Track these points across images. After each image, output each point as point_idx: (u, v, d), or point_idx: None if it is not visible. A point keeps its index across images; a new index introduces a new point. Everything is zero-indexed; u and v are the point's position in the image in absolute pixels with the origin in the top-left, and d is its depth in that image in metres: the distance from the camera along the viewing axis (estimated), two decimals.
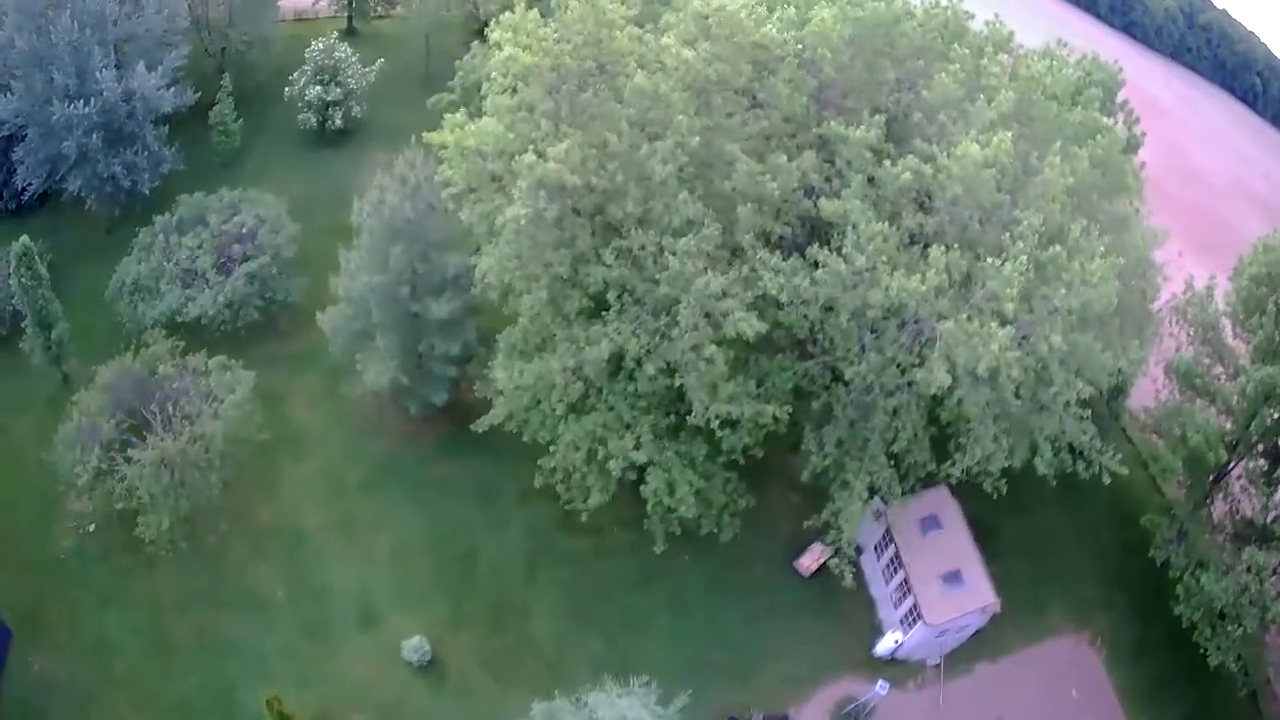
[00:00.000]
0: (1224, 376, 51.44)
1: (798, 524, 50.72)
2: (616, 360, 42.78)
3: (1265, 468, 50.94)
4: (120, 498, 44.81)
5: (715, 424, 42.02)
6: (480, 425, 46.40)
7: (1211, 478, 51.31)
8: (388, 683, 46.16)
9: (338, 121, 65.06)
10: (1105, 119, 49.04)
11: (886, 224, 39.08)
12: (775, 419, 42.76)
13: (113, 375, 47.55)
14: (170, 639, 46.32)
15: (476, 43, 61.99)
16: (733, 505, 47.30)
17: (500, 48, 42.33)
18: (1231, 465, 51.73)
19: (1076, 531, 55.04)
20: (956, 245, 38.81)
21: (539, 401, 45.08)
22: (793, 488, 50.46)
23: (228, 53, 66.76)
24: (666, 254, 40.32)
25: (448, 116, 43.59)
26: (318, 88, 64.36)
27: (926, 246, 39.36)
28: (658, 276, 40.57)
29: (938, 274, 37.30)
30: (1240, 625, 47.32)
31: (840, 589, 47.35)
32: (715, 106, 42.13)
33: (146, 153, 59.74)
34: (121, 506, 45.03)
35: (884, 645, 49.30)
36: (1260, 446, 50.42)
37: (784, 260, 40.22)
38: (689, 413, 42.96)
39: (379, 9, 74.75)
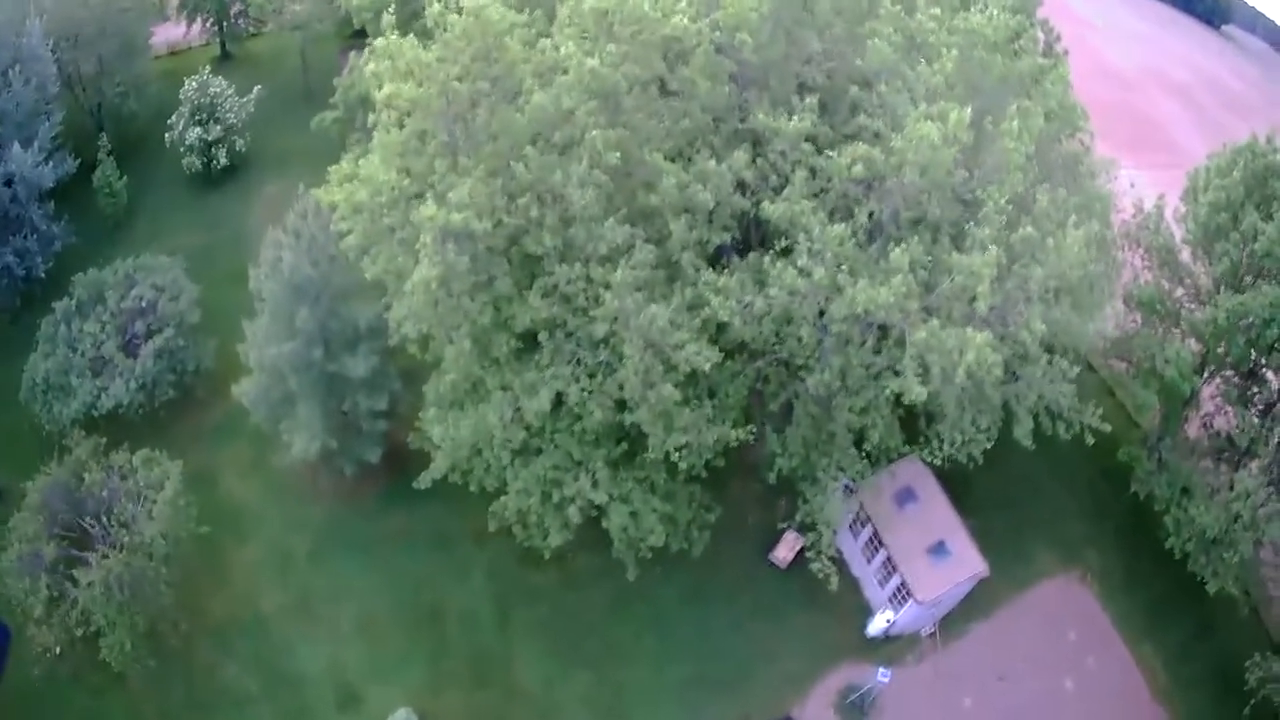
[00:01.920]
0: (1185, 298, 47.03)
1: (765, 514, 46.29)
2: (558, 399, 37.42)
3: (1239, 384, 46.87)
4: (78, 623, 39.91)
5: (675, 455, 36.96)
6: (422, 482, 40.72)
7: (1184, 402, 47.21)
8: None
9: (222, 160, 57.90)
10: (1041, 58, 43.53)
11: (841, 224, 33.55)
12: (737, 440, 37.79)
13: (43, 493, 42.42)
14: None
15: (354, 53, 55.19)
16: (700, 519, 42.46)
17: (379, 80, 35.93)
18: (1201, 384, 47.61)
19: (1051, 469, 50.54)
20: (915, 231, 33.68)
21: (480, 450, 39.83)
22: (754, 478, 45.78)
23: (103, 107, 59.37)
24: (597, 285, 34.71)
25: (333, 168, 37.05)
26: (197, 129, 57.18)
27: (887, 240, 34.16)
28: (592, 312, 34.94)
29: (903, 280, 32.17)
30: (1236, 551, 43.72)
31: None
32: (627, 108, 35.61)
33: (35, 235, 52.93)
34: (81, 632, 39.98)
35: (876, 625, 45.02)
36: (1231, 364, 46.27)
37: (730, 275, 34.66)
38: (641, 435, 37.93)
39: (250, 28, 67.10)
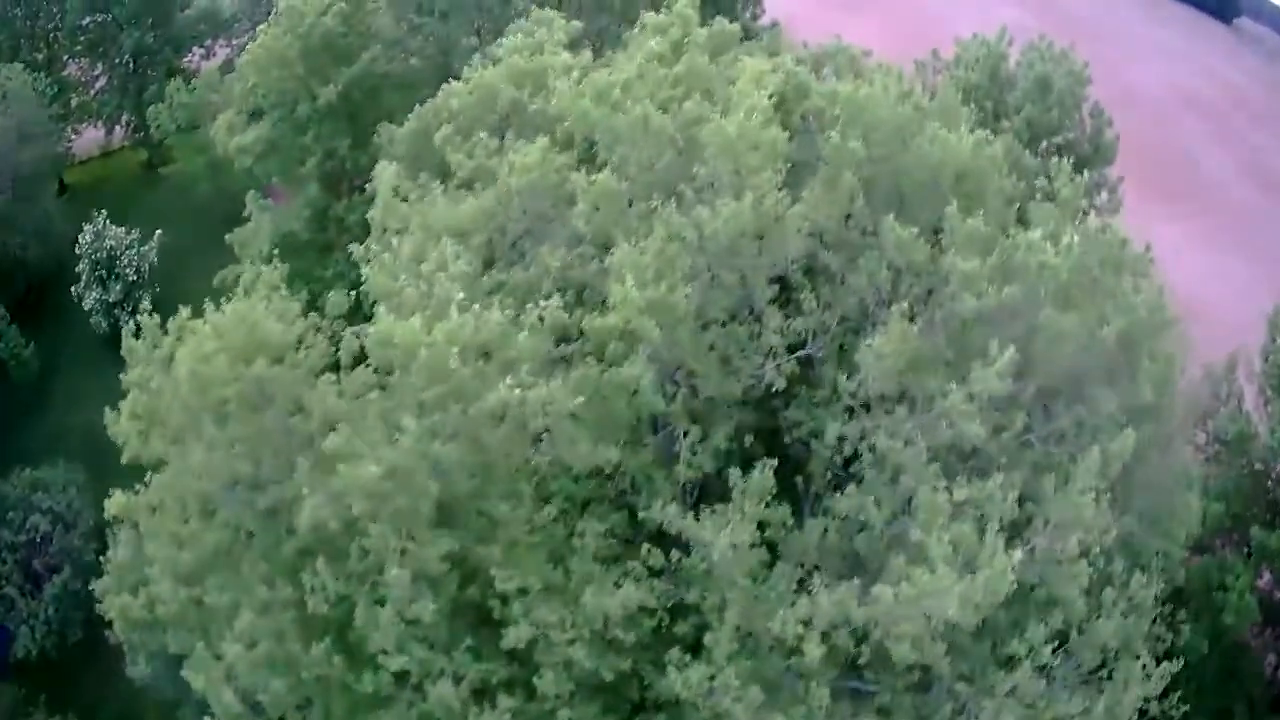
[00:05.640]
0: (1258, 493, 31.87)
1: None
2: None
3: None
4: None
5: None
6: None
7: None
8: None
9: (126, 322, 43.95)
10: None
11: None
12: None
13: None
14: None
15: (251, 192, 39.90)
16: None
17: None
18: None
19: None
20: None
21: None
22: None
23: (4, 262, 45.72)
24: None
25: (112, 564, 23.50)
26: (97, 289, 43.35)
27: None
28: None
29: None
30: None
31: None
32: (461, 494, 19.48)
33: None
34: None
35: None
36: None
37: None
38: None
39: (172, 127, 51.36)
